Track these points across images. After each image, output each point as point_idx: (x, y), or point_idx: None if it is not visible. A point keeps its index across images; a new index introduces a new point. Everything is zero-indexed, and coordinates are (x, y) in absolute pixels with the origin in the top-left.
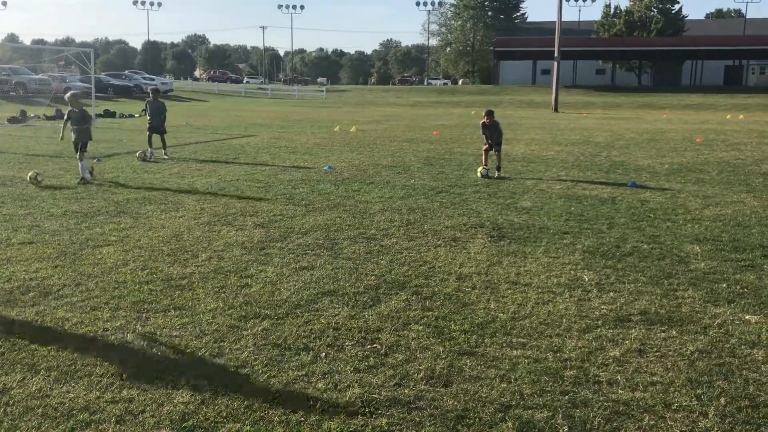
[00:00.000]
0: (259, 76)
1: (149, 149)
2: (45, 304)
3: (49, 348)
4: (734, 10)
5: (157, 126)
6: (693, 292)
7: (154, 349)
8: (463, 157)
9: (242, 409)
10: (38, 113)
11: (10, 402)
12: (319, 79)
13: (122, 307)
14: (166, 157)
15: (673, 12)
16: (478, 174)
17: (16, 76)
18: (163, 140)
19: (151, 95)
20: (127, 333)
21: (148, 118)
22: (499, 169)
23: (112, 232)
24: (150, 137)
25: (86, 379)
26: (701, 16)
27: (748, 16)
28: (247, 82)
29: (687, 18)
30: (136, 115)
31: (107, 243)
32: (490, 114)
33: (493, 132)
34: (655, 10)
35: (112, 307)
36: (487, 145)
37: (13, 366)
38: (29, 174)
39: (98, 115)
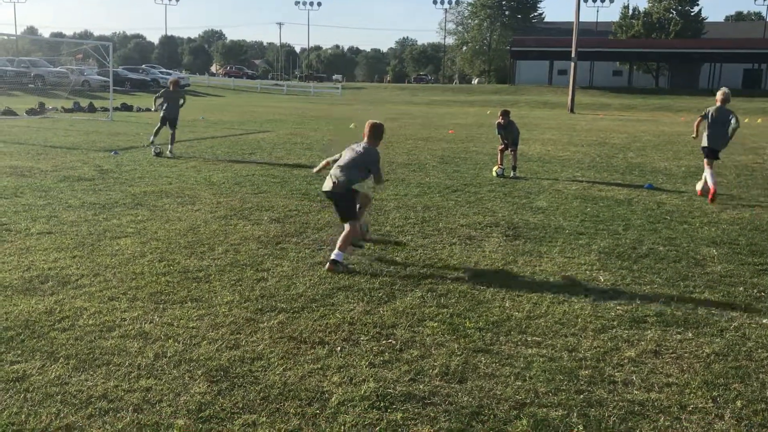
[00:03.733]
0: None
1: (153, 138)
2: (64, 293)
3: (68, 336)
4: (754, 12)
5: (172, 117)
6: (709, 295)
7: (170, 339)
8: (478, 156)
9: (258, 401)
10: (56, 105)
11: (30, 388)
12: (334, 77)
13: (140, 297)
14: (170, 155)
15: (692, 14)
16: (493, 173)
17: (35, 68)
18: (173, 136)
19: (171, 87)
20: (145, 323)
21: (164, 108)
22: (514, 168)
23: (130, 224)
24: (159, 128)
25: (104, 367)
26: (720, 19)
27: None
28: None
29: (706, 20)
30: (152, 109)
31: (125, 234)
32: (505, 114)
33: (508, 132)
34: (674, 12)
35: (130, 298)
36: (502, 145)
37: (32, 353)
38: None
39: (116, 109)
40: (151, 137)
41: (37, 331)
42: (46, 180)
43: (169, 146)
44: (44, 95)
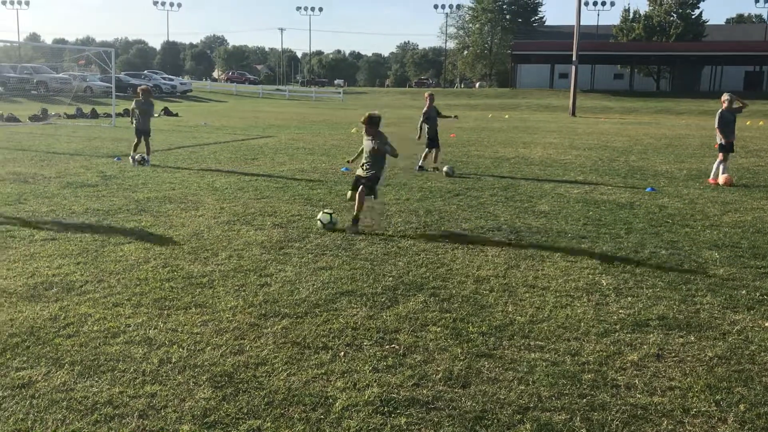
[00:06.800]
0: None
1: (133, 155)
2: (68, 299)
3: (73, 342)
4: (755, 15)
5: (146, 129)
6: (712, 298)
7: (175, 345)
8: (479, 160)
9: (263, 406)
10: (59, 112)
11: (36, 395)
12: (336, 81)
13: (144, 303)
14: (148, 163)
15: (693, 17)
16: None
17: (38, 75)
18: (147, 144)
19: (141, 96)
20: (149, 329)
21: (136, 121)
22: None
23: (133, 230)
24: (137, 143)
25: (109, 373)
26: (722, 21)
27: None
28: None
29: (707, 23)
30: (156, 115)
31: (128, 241)
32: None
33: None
34: (674, 15)
35: (134, 304)
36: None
37: (38, 360)
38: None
39: (118, 115)
40: (131, 156)
41: (42, 337)
42: (50, 186)
43: (146, 156)
44: (47, 101)
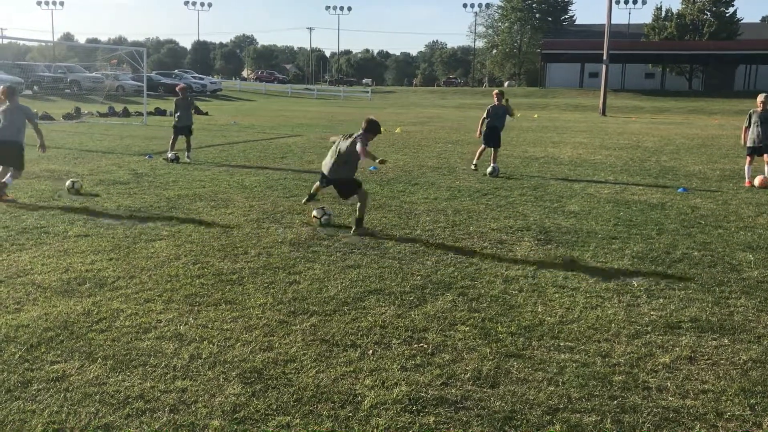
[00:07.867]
0: None
1: (170, 152)
2: (101, 295)
3: (105, 337)
4: None
5: (188, 125)
6: (746, 301)
7: (205, 341)
8: (508, 159)
9: (292, 403)
10: (92, 110)
11: (70, 388)
12: (364, 81)
13: (175, 299)
14: (189, 160)
15: (727, 15)
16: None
17: (71, 74)
18: (188, 142)
19: (181, 94)
20: (180, 325)
21: (177, 118)
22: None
23: (164, 227)
24: (175, 139)
25: (141, 368)
26: (757, 19)
27: None
28: None
29: (742, 21)
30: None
31: (159, 237)
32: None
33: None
34: (708, 13)
35: (165, 300)
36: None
37: (71, 354)
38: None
39: (149, 113)
40: (168, 153)
41: (76, 332)
42: (83, 183)
43: (187, 153)
44: (80, 100)
